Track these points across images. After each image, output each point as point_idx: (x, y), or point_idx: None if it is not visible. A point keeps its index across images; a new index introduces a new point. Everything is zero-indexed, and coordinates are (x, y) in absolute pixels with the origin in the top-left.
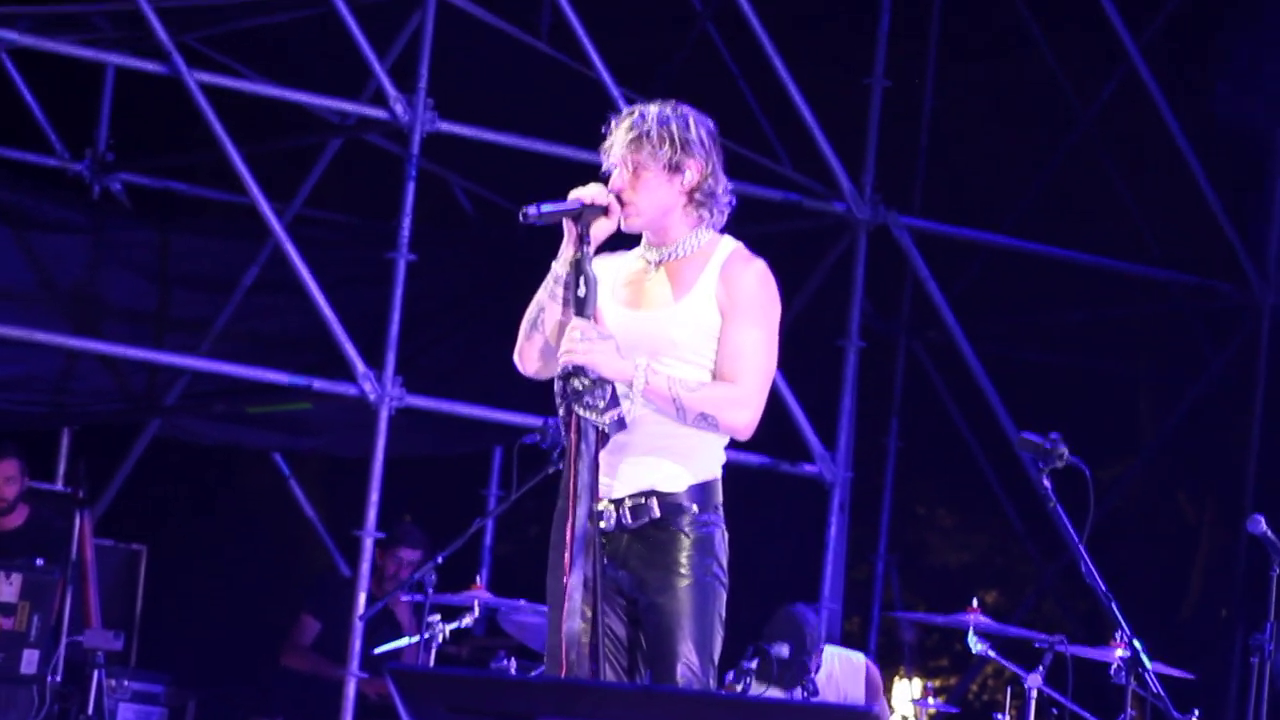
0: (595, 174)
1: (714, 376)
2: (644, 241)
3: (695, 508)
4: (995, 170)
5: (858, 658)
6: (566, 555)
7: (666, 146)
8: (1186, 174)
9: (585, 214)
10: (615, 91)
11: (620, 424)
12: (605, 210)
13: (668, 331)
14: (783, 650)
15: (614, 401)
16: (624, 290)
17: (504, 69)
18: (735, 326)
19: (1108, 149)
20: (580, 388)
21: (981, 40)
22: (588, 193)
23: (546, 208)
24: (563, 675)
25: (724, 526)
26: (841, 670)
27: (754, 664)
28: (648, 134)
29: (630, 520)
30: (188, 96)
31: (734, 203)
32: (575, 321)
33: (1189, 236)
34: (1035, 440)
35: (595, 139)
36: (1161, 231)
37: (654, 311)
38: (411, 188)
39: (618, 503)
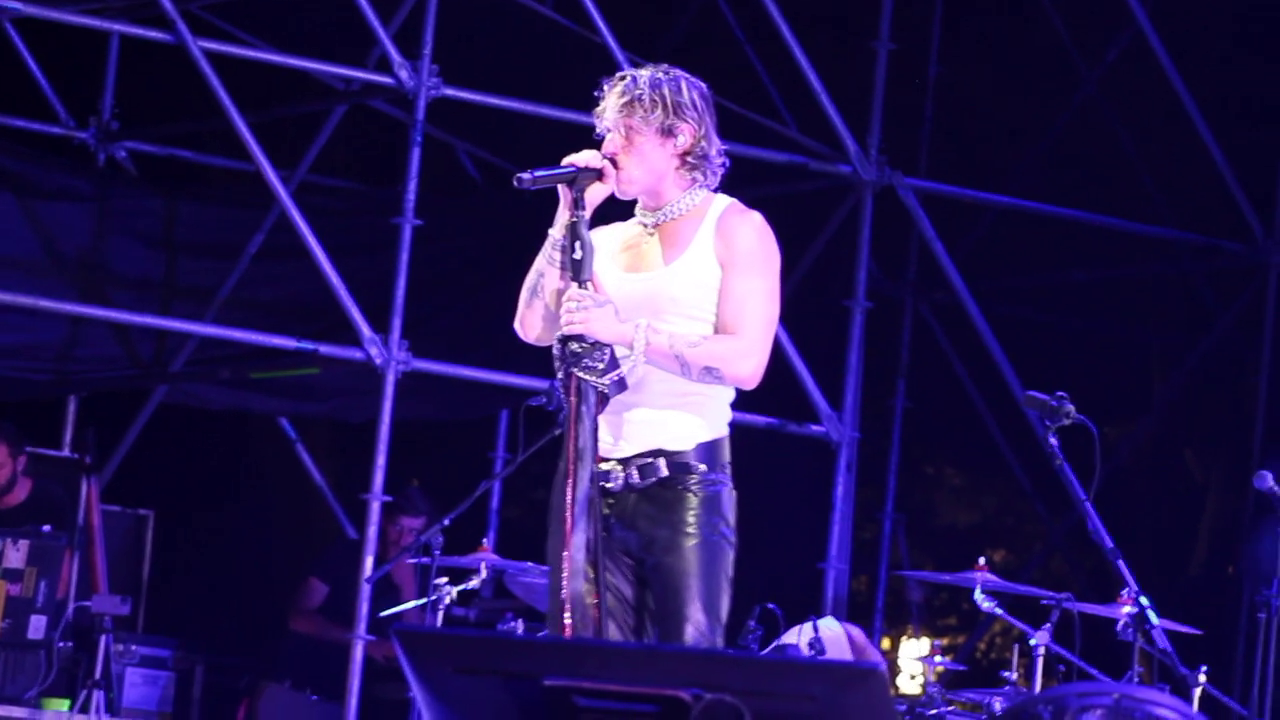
0: (598, 139)
1: (716, 330)
2: (639, 206)
3: (703, 466)
4: (1001, 131)
5: (834, 627)
6: (568, 516)
7: (659, 110)
8: (1193, 133)
9: (579, 178)
10: (620, 56)
11: (620, 385)
12: (599, 174)
13: (668, 289)
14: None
15: (613, 364)
16: (622, 256)
17: (509, 35)
18: (735, 278)
19: (1114, 109)
20: (579, 350)
21: (987, 1)
22: (581, 157)
23: (540, 173)
24: (566, 635)
25: (732, 485)
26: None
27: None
28: (639, 98)
29: (638, 479)
30: (192, 64)
31: (728, 164)
32: (571, 290)
33: (1196, 196)
34: (1042, 398)
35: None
36: (1168, 191)
37: (652, 272)
38: (416, 153)
39: (625, 462)
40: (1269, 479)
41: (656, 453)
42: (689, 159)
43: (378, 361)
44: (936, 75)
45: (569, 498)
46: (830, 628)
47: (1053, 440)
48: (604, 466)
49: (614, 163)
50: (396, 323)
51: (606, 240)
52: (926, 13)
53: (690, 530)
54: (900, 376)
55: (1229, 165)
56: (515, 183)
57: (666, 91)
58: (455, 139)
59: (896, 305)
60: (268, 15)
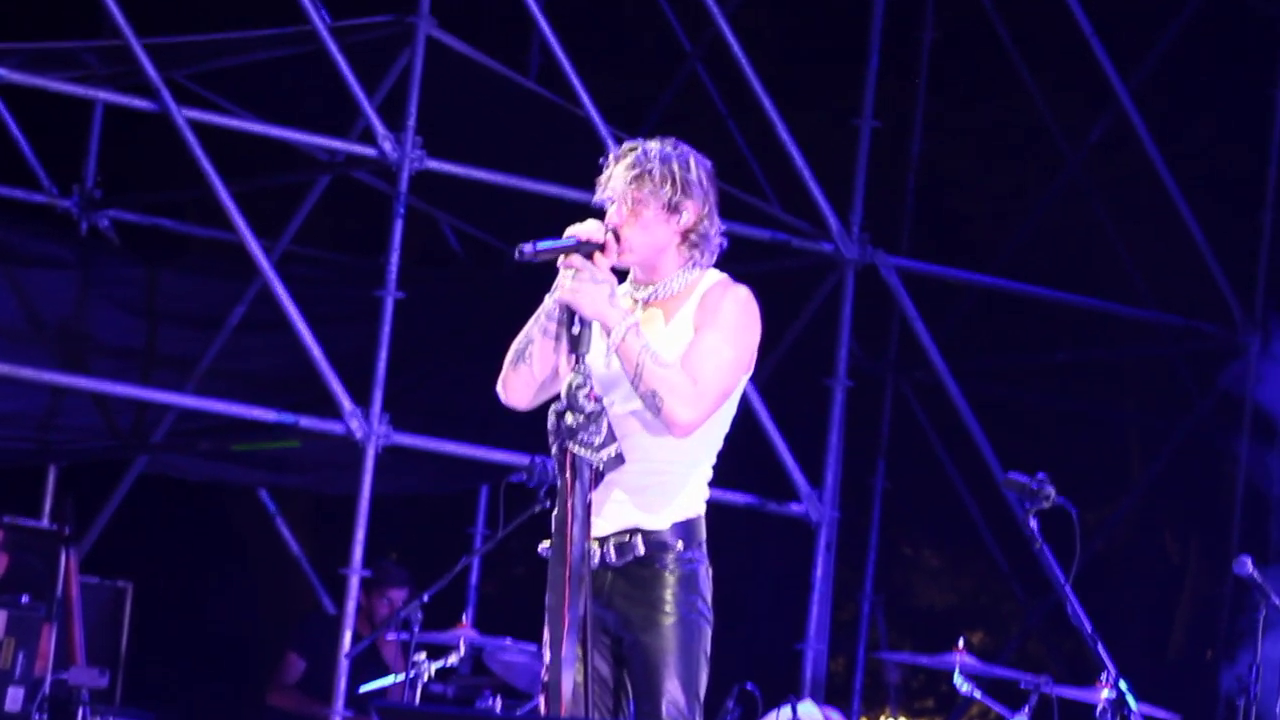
0: (584, 212)
1: None
2: (631, 278)
3: (680, 544)
4: (983, 211)
5: (812, 711)
6: (566, 592)
7: (668, 186)
8: (1175, 215)
9: (581, 250)
10: (604, 130)
11: (619, 460)
12: (601, 247)
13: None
14: None
15: (610, 438)
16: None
17: (493, 108)
18: (704, 333)
19: (1096, 191)
20: (574, 424)
21: (971, 81)
22: (584, 229)
23: (543, 245)
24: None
25: (708, 563)
26: None
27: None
28: (650, 172)
29: (614, 558)
30: (176, 133)
31: (725, 245)
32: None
33: (1177, 278)
34: (1021, 480)
35: (584, 177)
36: (1149, 273)
37: None
38: (399, 225)
39: (602, 540)
40: (1249, 564)
41: (633, 530)
42: (691, 236)
43: (358, 435)
44: (920, 153)
45: (565, 573)
46: (809, 712)
47: (1032, 523)
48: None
49: (616, 234)
50: (378, 396)
51: None
52: (910, 91)
53: (668, 609)
54: (880, 456)
55: (1210, 248)
56: (516, 255)
57: (676, 167)
58: (438, 211)
59: (877, 384)
60: (252, 85)
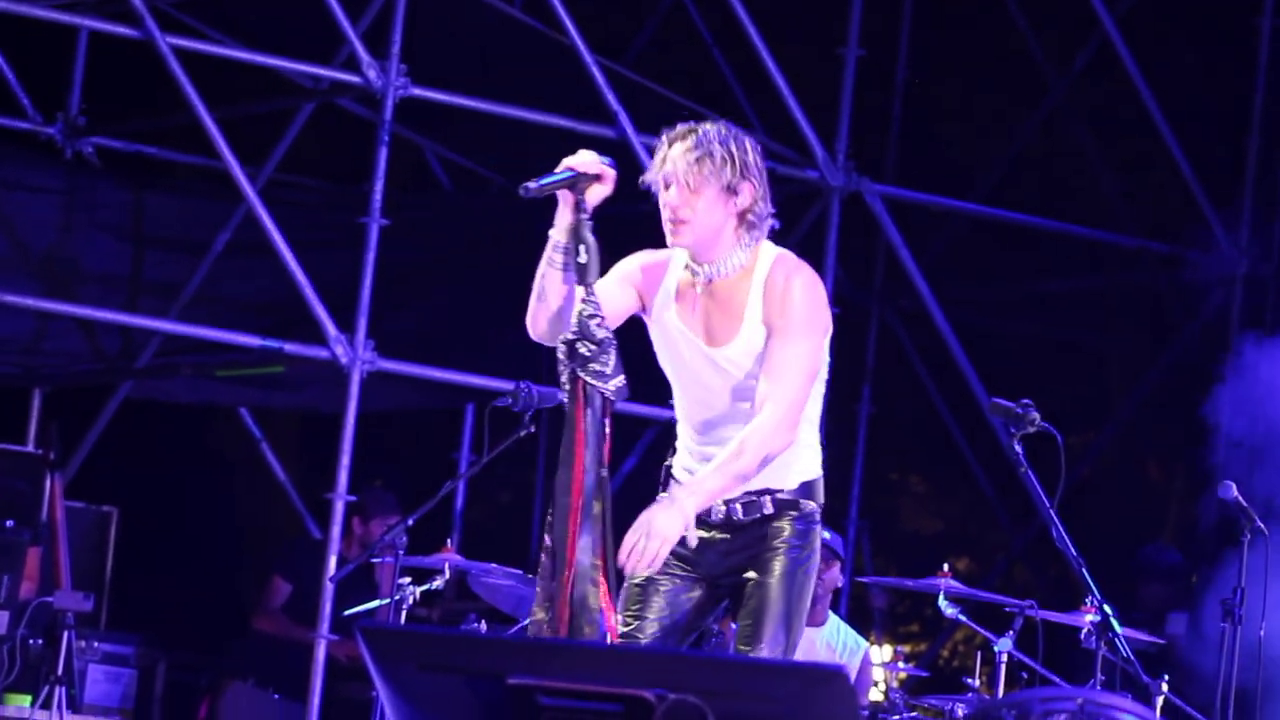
0: (571, 140)
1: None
2: (689, 258)
3: (810, 504)
4: (968, 138)
5: (862, 643)
6: (572, 522)
7: (728, 168)
8: (1160, 143)
9: (579, 182)
10: (589, 59)
11: (624, 391)
12: (598, 177)
13: (726, 362)
14: None
15: (619, 368)
16: (678, 306)
17: (477, 36)
18: (779, 342)
19: (1081, 118)
20: (586, 353)
21: (955, 9)
22: (579, 161)
23: (545, 181)
24: (563, 633)
25: (823, 524)
26: (843, 646)
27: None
28: (711, 154)
29: (742, 515)
30: (160, 60)
31: (777, 225)
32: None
33: (1162, 205)
34: (1007, 406)
35: (568, 105)
36: (1134, 200)
37: (713, 349)
38: (384, 153)
39: (728, 500)
40: (1233, 489)
41: (764, 491)
42: (748, 216)
43: (343, 361)
44: (904, 81)
45: (575, 502)
46: (861, 643)
47: (1017, 448)
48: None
49: (677, 217)
50: (362, 323)
51: (659, 273)
52: (894, 19)
53: (783, 559)
54: (865, 383)
55: (1195, 175)
56: (522, 192)
57: (734, 149)
58: (423, 138)
59: (862, 312)
60: (236, 12)
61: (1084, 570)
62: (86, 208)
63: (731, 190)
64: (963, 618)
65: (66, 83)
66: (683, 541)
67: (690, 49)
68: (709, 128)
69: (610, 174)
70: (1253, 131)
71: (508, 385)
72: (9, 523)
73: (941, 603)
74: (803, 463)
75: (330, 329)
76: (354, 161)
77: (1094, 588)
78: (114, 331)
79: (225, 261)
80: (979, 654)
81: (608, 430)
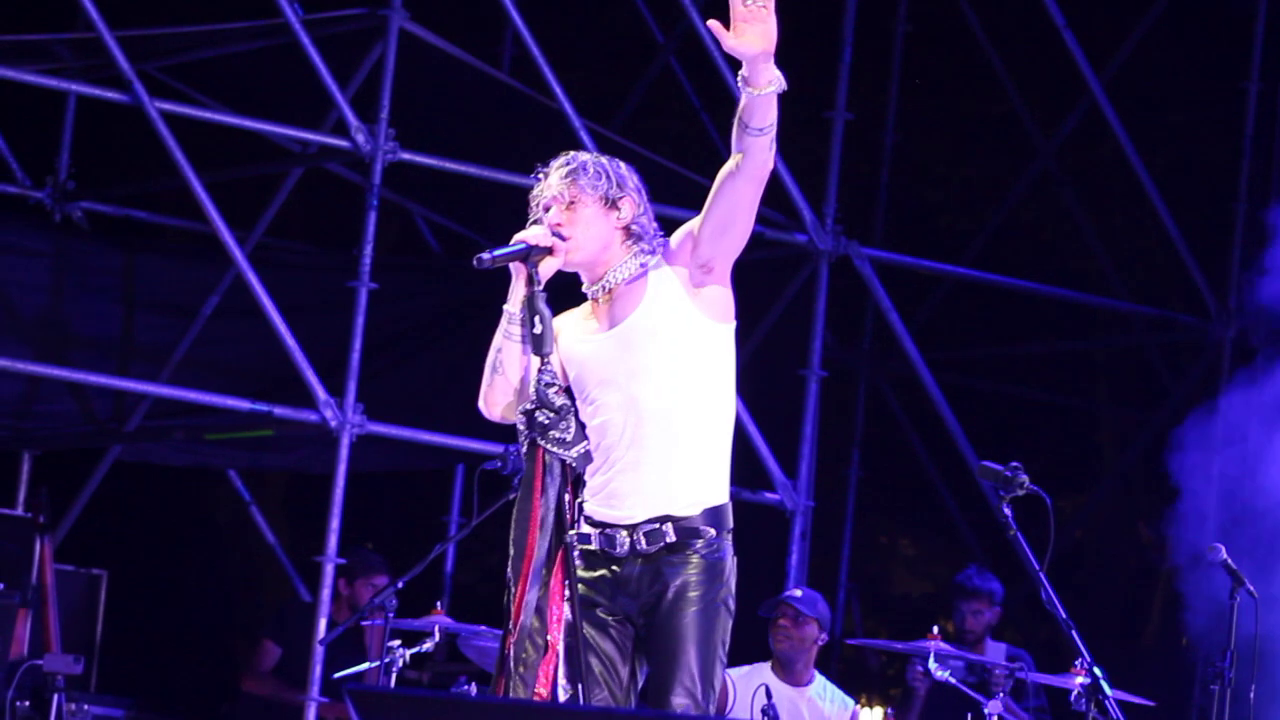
0: None
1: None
2: (585, 285)
3: (711, 531)
4: (957, 202)
5: (849, 703)
6: (521, 585)
7: (603, 179)
8: (1148, 206)
9: (532, 254)
10: (577, 122)
11: (587, 458)
12: (550, 250)
13: (642, 325)
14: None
15: (580, 435)
16: (586, 324)
17: (466, 100)
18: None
19: (1069, 181)
20: (545, 421)
21: (943, 73)
22: (532, 234)
23: (499, 253)
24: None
25: (733, 552)
26: (830, 705)
27: None
28: (584, 167)
29: (645, 545)
30: (149, 125)
31: (666, 244)
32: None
33: (1150, 269)
34: (996, 469)
35: None
36: (1123, 264)
37: (619, 325)
38: (373, 217)
39: (631, 528)
40: (1222, 551)
41: (664, 518)
42: (632, 229)
43: (333, 424)
44: (893, 145)
45: (525, 568)
46: (847, 703)
47: (1006, 510)
48: (604, 532)
49: (560, 235)
50: (352, 386)
51: (568, 322)
52: (883, 83)
53: (692, 595)
54: (855, 446)
55: (1183, 239)
56: (475, 263)
57: (607, 165)
58: (412, 203)
59: (852, 375)
60: (225, 77)
61: (1074, 632)
62: (76, 271)
63: (611, 203)
64: (953, 680)
65: (55, 147)
66: (603, 584)
67: (679, 113)
68: (582, 154)
69: (562, 246)
70: (1240, 195)
71: (497, 448)
72: None
73: (931, 665)
74: (706, 487)
75: (320, 392)
76: (343, 225)
77: (1084, 649)
78: (105, 395)
79: (215, 325)
80: (969, 715)
81: (568, 499)
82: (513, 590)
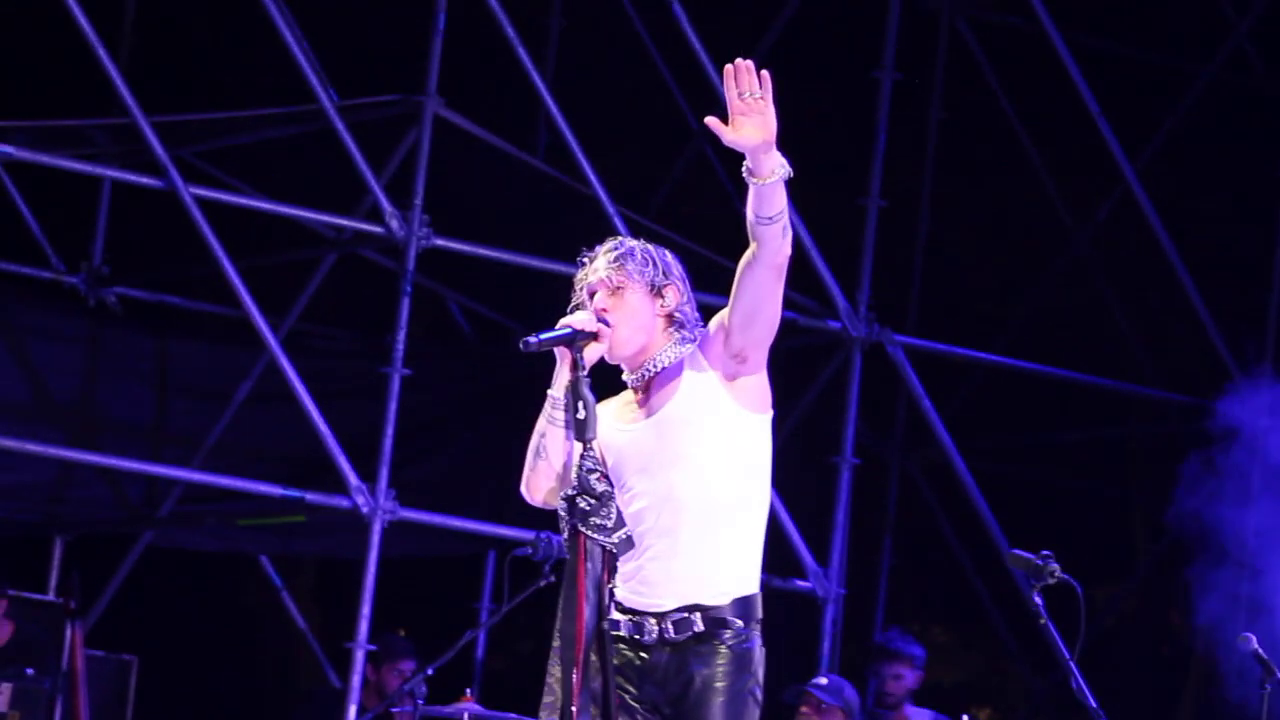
0: None
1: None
2: (625, 373)
3: (739, 622)
4: (990, 289)
5: None
6: (576, 675)
7: (650, 266)
8: (1182, 294)
9: (577, 339)
10: (611, 209)
11: (629, 544)
12: (595, 335)
13: (675, 414)
14: None
15: (620, 521)
16: (624, 413)
17: (500, 186)
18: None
19: (1103, 269)
20: (586, 507)
21: (977, 159)
22: (577, 320)
23: (544, 336)
24: None
25: (762, 642)
26: None
27: None
28: (631, 253)
29: (674, 633)
30: (184, 210)
31: (706, 333)
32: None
33: (1185, 356)
34: (1027, 557)
35: None
36: (1156, 351)
37: (654, 415)
38: (406, 303)
39: (660, 616)
40: (1253, 641)
41: (693, 607)
42: (676, 317)
43: (364, 510)
44: (927, 232)
45: (579, 656)
46: None
47: (1037, 599)
48: (634, 619)
49: (605, 323)
50: (384, 472)
51: (608, 410)
52: (917, 169)
53: (719, 686)
54: (887, 533)
55: (1217, 326)
56: (521, 346)
57: (654, 251)
58: (445, 289)
59: (884, 462)
60: (259, 163)
61: None
62: (110, 356)
63: (656, 291)
64: None
65: (90, 232)
66: (631, 671)
67: (712, 198)
68: (628, 239)
69: (608, 332)
70: (1273, 286)
71: (528, 535)
72: (29, 671)
73: None
74: (737, 577)
75: (352, 478)
76: (376, 311)
77: None
78: (137, 479)
79: (248, 410)
80: None
81: (606, 584)
82: (565, 680)
